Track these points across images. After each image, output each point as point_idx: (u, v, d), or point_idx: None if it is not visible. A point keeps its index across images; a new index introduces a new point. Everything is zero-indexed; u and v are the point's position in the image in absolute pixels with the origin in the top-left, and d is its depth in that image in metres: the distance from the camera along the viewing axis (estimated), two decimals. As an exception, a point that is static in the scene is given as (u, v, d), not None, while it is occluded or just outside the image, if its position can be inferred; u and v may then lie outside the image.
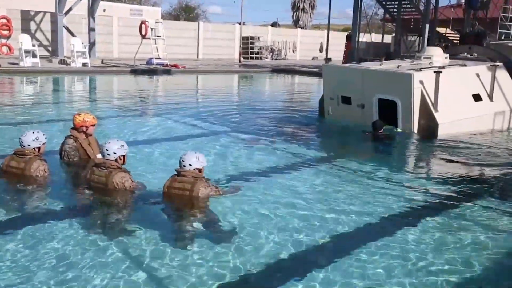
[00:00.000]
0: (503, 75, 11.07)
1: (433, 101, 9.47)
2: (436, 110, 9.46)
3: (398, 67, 10.14)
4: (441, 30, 27.79)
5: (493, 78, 10.56)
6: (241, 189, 5.72)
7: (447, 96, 9.58)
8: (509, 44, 13.45)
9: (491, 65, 10.67)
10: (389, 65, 10.62)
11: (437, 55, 11.24)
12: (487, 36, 12.21)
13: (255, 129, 9.98)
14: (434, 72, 9.40)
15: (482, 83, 10.51)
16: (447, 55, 11.53)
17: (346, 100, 10.68)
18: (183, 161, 5.20)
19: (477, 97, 10.37)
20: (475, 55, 12.11)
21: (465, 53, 12.18)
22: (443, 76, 9.40)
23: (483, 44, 11.86)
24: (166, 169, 6.14)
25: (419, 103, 9.48)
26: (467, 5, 12.15)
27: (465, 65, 10.81)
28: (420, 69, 9.73)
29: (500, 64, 11.01)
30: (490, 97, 10.54)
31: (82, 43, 22.82)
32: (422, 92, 9.44)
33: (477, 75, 10.55)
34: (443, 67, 10.12)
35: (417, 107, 9.49)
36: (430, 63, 10.77)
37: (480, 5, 11.65)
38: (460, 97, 10.02)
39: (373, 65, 10.72)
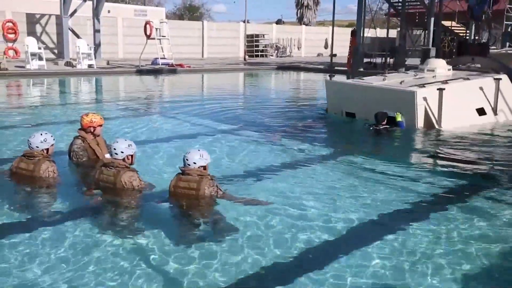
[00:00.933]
0: (507, 88, 10.84)
1: (436, 118, 9.48)
2: (440, 126, 9.48)
3: (401, 83, 10.09)
4: (446, 23, 27.65)
5: (497, 91, 10.39)
6: (239, 198, 5.41)
7: (451, 111, 9.55)
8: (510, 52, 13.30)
9: (494, 78, 10.46)
10: (392, 80, 10.56)
11: (440, 67, 11.19)
12: (491, 42, 12.06)
13: (262, 127, 9.97)
14: (437, 89, 9.36)
15: (486, 96, 10.38)
16: (450, 67, 11.43)
17: (351, 115, 10.71)
18: (187, 159, 5.18)
19: (481, 111, 10.27)
20: (479, 65, 11.95)
21: (469, 64, 12.04)
22: (446, 92, 9.37)
23: (487, 55, 11.68)
24: (173, 168, 6.16)
25: (423, 120, 9.49)
26: (470, 15, 12.12)
27: (468, 79, 10.61)
28: (423, 85, 9.69)
29: (503, 76, 10.78)
30: (495, 110, 10.43)
31: (88, 45, 22.93)
32: (425, 109, 9.46)
33: (481, 88, 10.37)
34: (446, 82, 10.01)
35: (421, 123, 9.50)
36: (434, 76, 10.73)
37: (482, 15, 11.61)
38: (464, 111, 9.95)
39: (376, 80, 10.67)
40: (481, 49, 11.88)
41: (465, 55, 12.18)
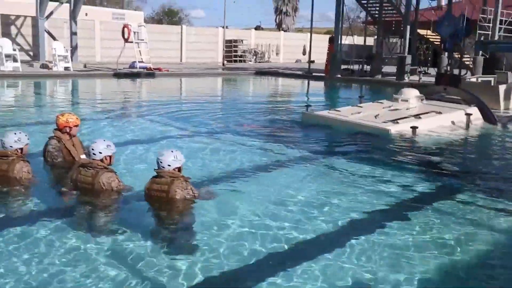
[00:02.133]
0: (478, 120, 11.07)
1: None
2: None
3: (376, 117, 10.28)
4: (422, 32, 28.20)
5: (468, 124, 10.60)
6: (217, 195, 5.48)
7: None
8: (483, 82, 13.63)
9: (466, 113, 10.71)
10: (367, 113, 10.71)
11: (413, 97, 11.52)
12: (462, 78, 12.39)
13: (239, 130, 9.99)
14: (411, 127, 9.53)
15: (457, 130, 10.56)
16: (423, 97, 11.74)
17: None
18: (161, 162, 5.09)
19: None
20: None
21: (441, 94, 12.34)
22: (419, 129, 9.52)
23: (458, 86, 12.06)
24: (152, 170, 6.14)
25: None
26: (443, 48, 12.60)
27: (440, 113, 10.84)
28: (397, 121, 9.86)
29: (474, 110, 11.04)
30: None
31: (64, 47, 22.63)
32: None
33: (453, 122, 10.60)
34: (419, 117, 10.29)
35: None
36: (407, 108, 11.03)
37: (454, 48, 12.05)
38: None
39: (352, 112, 10.75)
40: (454, 79, 12.18)
41: (438, 83, 12.54)
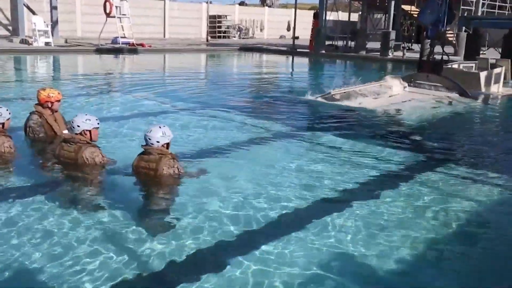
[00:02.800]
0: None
1: None
2: None
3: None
4: (406, 7, 28.17)
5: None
6: (203, 173, 5.40)
7: None
8: (463, 69, 13.91)
9: (448, 102, 11.05)
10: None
11: (396, 85, 11.95)
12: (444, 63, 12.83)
13: (224, 106, 9.97)
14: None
15: None
16: (406, 85, 12.18)
17: None
18: (149, 139, 4.99)
19: None
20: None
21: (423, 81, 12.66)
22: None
23: (440, 73, 12.33)
24: (135, 144, 6.12)
25: None
26: (425, 35, 12.79)
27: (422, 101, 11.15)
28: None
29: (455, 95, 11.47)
30: None
31: (44, 22, 22.13)
32: None
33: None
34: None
35: None
36: (390, 96, 11.35)
37: (436, 35, 12.28)
38: None
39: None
40: (435, 66, 12.49)
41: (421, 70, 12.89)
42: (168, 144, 5.14)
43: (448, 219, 4.53)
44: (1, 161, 5.46)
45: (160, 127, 5.10)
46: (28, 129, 6.26)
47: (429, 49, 12.83)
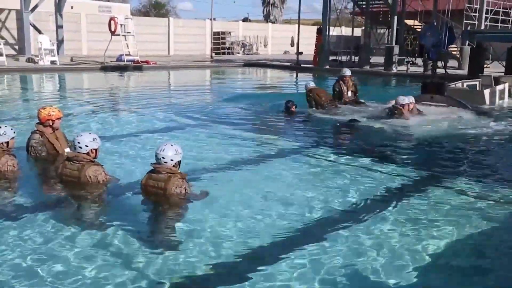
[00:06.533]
0: None
1: None
2: None
3: None
4: (409, 22, 28.27)
5: None
6: (208, 194, 5.23)
7: None
8: (467, 87, 13.91)
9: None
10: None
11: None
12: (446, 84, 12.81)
13: (229, 121, 9.97)
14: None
15: None
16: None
17: None
18: (162, 157, 4.87)
19: None
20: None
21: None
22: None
23: (444, 93, 12.32)
24: (139, 163, 6.12)
25: None
26: (427, 57, 12.83)
27: None
28: None
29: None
30: None
31: (50, 41, 22.36)
32: None
33: None
34: None
35: None
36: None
37: (438, 57, 12.30)
38: None
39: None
40: (439, 87, 12.49)
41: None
42: (179, 162, 5.06)
43: (457, 234, 4.48)
44: (4, 180, 5.46)
45: (172, 145, 4.99)
46: (30, 148, 6.25)
47: (431, 70, 12.74)
